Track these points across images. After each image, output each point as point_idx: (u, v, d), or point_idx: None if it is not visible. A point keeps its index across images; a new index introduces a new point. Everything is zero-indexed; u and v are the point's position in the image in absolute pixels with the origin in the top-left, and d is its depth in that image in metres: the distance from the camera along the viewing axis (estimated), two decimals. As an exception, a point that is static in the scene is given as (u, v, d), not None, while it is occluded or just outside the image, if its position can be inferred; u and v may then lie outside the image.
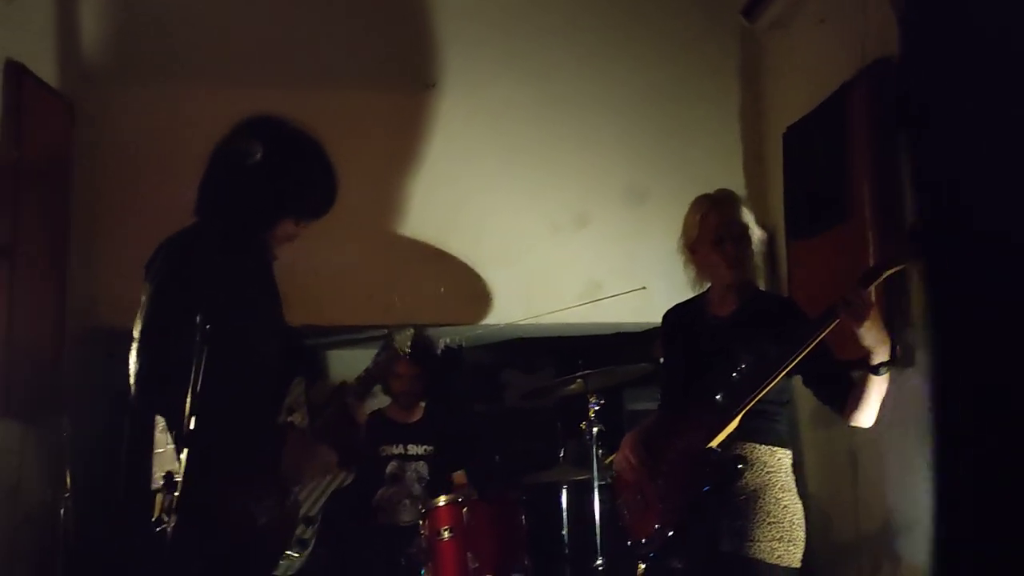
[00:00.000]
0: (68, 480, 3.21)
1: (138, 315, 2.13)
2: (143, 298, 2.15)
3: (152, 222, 3.85)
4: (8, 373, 3.15)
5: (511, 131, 4.12)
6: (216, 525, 1.95)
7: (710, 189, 2.64)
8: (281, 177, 2.17)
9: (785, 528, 2.36)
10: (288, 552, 2.22)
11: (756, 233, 2.51)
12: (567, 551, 3.49)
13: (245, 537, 2.06)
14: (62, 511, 3.18)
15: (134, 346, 2.09)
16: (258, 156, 2.09)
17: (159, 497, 1.99)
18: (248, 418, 2.07)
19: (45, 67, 3.54)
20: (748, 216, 2.52)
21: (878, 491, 3.18)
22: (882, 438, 3.09)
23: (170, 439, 2.09)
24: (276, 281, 2.29)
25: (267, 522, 2.11)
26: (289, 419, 2.25)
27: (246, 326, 2.11)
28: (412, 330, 2.53)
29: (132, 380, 2.06)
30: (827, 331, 2.22)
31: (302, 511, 2.27)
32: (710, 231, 2.49)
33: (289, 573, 2.25)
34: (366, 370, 2.50)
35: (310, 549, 2.27)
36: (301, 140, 2.26)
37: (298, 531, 2.24)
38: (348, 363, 4.01)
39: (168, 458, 2.03)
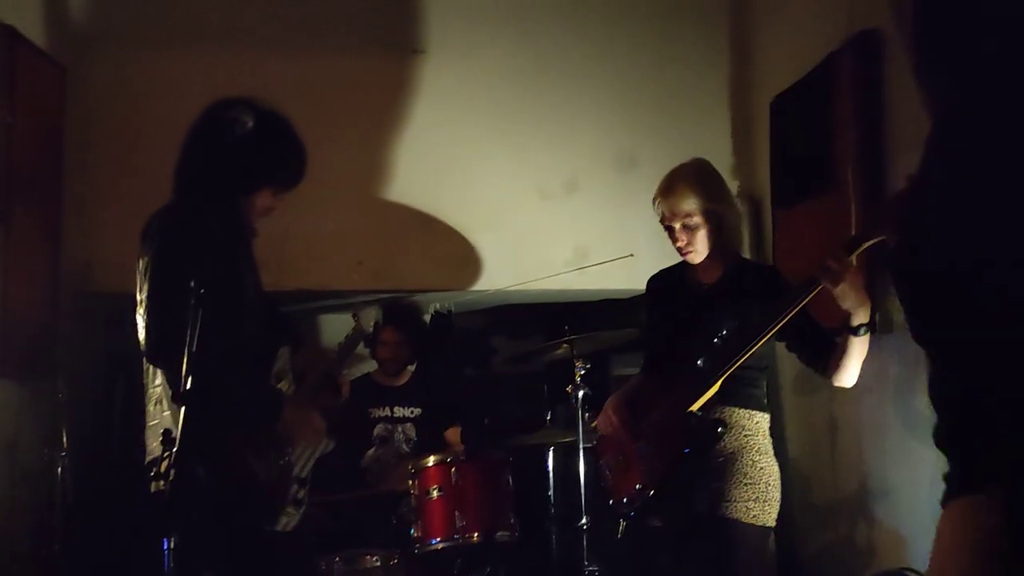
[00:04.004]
0: (64, 439, 3.27)
1: (140, 281, 2.27)
2: (142, 264, 2.28)
3: (145, 187, 3.87)
4: (4, 336, 3.20)
5: (500, 97, 4.13)
6: (218, 481, 2.07)
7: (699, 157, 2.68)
8: (255, 150, 2.35)
9: (760, 489, 2.43)
10: (287, 508, 2.33)
11: (714, 214, 2.51)
12: (552, 511, 3.57)
13: (248, 491, 2.20)
14: (59, 469, 3.25)
15: (140, 309, 2.24)
16: (235, 132, 2.28)
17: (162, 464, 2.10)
18: (245, 379, 2.21)
19: (37, 31, 3.54)
20: (703, 201, 2.49)
21: (855, 455, 3.27)
22: (860, 404, 3.17)
23: (165, 407, 2.20)
24: (254, 255, 2.45)
25: (266, 478, 2.24)
26: (277, 386, 2.39)
27: (234, 293, 2.26)
28: (377, 308, 2.72)
29: (142, 340, 2.21)
30: (808, 298, 2.28)
31: (295, 471, 2.38)
32: (662, 218, 2.55)
33: (287, 528, 2.35)
34: (340, 344, 2.67)
35: (304, 507, 2.39)
36: (270, 116, 2.42)
37: (293, 490, 2.36)
38: (338, 328, 4.06)
39: (160, 428, 2.13)
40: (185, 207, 2.33)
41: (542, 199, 4.15)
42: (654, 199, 2.58)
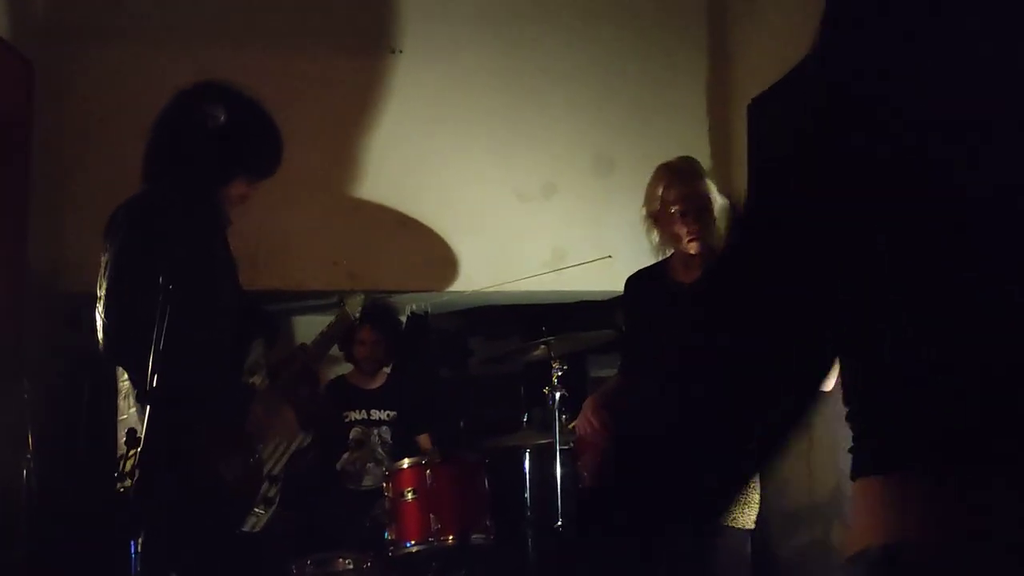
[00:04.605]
0: (30, 441, 3.20)
1: (100, 276, 2.19)
2: (104, 259, 2.21)
3: (115, 186, 3.82)
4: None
5: (478, 98, 4.11)
6: (184, 482, 1.99)
7: (654, 170, 2.66)
8: (230, 137, 2.25)
9: (740, 491, 2.42)
10: (255, 509, 2.27)
11: (718, 202, 2.54)
12: (529, 513, 3.54)
13: (213, 493, 2.12)
14: (24, 472, 3.17)
15: (99, 305, 2.16)
16: (208, 117, 2.18)
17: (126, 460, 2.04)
18: (212, 377, 2.13)
19: (1, 22, 3.46)
20: (709, 186, 2.54)
21: (831, 457, 3.27)
22: (835, 406, 3.17)
23: (133, 402, 2.13)
24: (230, 246, 2.37)
25: (233, 479, 2.17)
26: (251, 380, 2.31)
27: (206, 287, 2.18)
28: (363, 295, 2.60)
29: (100, 338, 2.13)
30: None
31: (266, 469, 2.32)
32: (671, 204, 2.52)
33: (256, 529, 2.28)
34: (321, 333, 2.57)
35: (275, 507, 2.32)
36: (245, 101, 2.34)
37: (263, 488, 2.30)
38: (312, 328, 4.02)
39: (132, 422, 2.06)
40: (153, 197, 2.24)
41: (520, 200, 4.13)
42: (658, 186, 2.53)
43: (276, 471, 2.34)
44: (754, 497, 2.45)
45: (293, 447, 2.37)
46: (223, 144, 2.24)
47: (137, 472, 1.62)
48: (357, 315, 2.53)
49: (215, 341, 2.17)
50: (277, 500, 2.32)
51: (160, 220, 2.16)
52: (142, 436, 1.63)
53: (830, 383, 2.43)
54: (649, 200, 2.57)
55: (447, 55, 4.09)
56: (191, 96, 2.29)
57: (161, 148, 2.30)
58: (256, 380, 2.33)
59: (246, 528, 2.25)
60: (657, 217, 2.56)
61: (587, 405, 2.64)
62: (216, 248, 2.30)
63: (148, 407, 1.67)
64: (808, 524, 3.42)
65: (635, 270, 2.79)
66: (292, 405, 2.36)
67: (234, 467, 2.20)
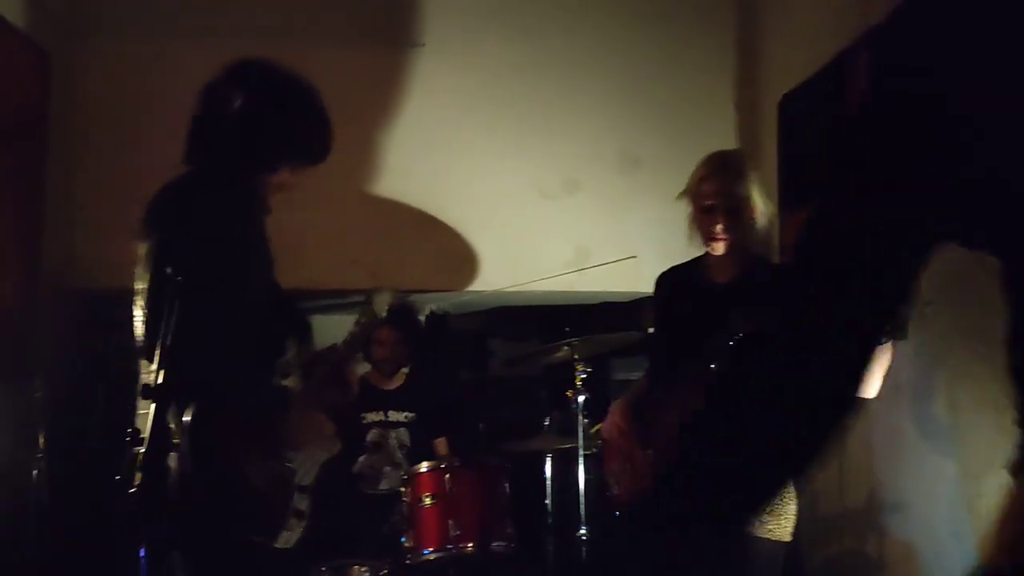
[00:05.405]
0: (41, 440, 3.14)
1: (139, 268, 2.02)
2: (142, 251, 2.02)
3: (131, 181, 3.76)
4: (-21, 331, 3.07)
5: (501, 92, 4.04)
6: (214, 485, 1.85)
7: (702, 157, 2.55)
8: (281, 121, 2.09)
9: (775, 502, 2.31)
10: (289, 522, 2.08)
11: (759, 206, 2.41)
12: (550, 520, 3.44)
13: (244, 503, 1.96)
14: (34, 472, 3.11)
15: (138, 299, 1.99)
16: (256, 100, 2.02)
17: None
18: (236, 371, 1.95)
19: (19, 14, 3.41)
20: (751, 187, 2.40)
21: (865, 465, 3.16)
22: (869, 411, 3.06)
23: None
24: (268, 236, 2.16)
25: (264, 487, 2.00)
26: (283, 383, 2.13)
27: (234, 277, 1.99)
28: (390, 292, 2.43)
29: (137, 333, 1.97)
30: None
31: (296, 479, 2.13)
32: (704, 197, 2.41)
33: (288, 545, 2.07)
34: (350, 333, 2.40)
35: (306, 520, 2.11)
36: (297, 84, 2.16)
37: (295, 501, 2.11)
38: (331, 328, 3.95)
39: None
40: (190, 185, 2.05)
41: (542, 198, 4.05)
42: (698, 177, 2.43)
43: (307, 482, 2.15)
44: (790, 508, 2.34)
45: (324, 456, 2.19)
46: (268, 127, 2.06)
47: (140, 474, 1.51)
48: (384, 313, 2.37)
49: (241, 334, 1.97)
50: (307, 514, 2.11)
51: (187, 210, 1.99)
52: (146, 436, 1.52)
53: (874, 389, 2.30)
54: (689, 185, 2.46)
55: (470, 49, 4.02)
56: (236, 75, 2.11)
57: (203, 125, 2.09)
58: (289, 382, 2.12)
59: (279, 544, 2.06)
60: (693, 207, 2.45)
61: (615, 408, 2.54)
62: (250, 237, 2.10)
63: (153, 404, 1.55)
64: (840, 534, 3.30)
65: (660, 270, 2.68)
66: (326, 410, 2.18)
67: (265, 474, 2.01)
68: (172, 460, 1.85)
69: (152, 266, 1.94)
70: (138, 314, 1.97)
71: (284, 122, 2.10)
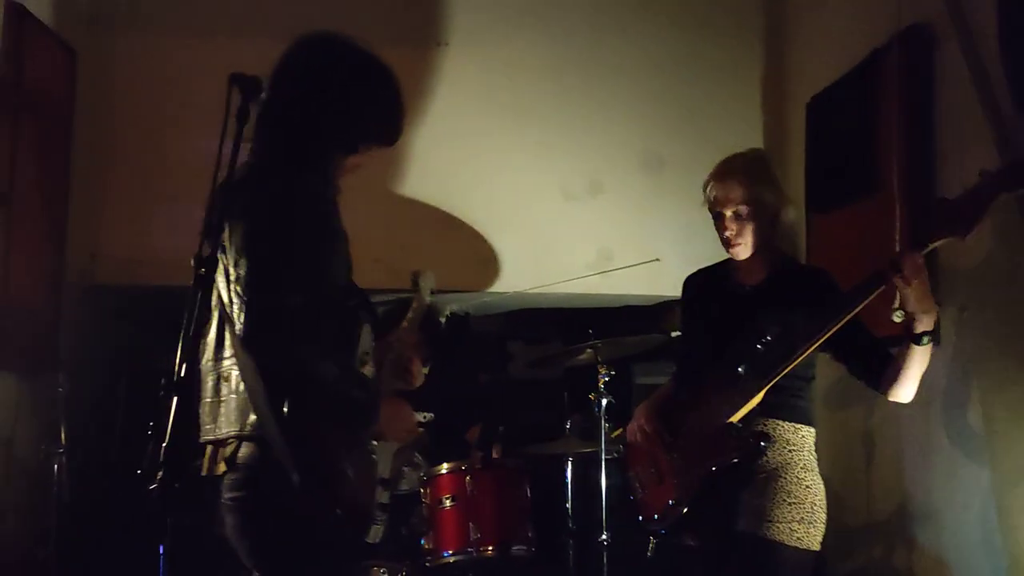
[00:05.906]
0: (63, 435, 3.14)
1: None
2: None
3: (156, 177, 3.80)
4: (3, 326, 3.07)
5: (524, 92, 4.01)
6: (311, 482, 1.73)
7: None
8: (367, 98, 1.97)
9: (806, 509, 2.26)
10: (378, 516, 1.99)
11: (770, 208, 2.35)
12: (571, 525, 3.41)
13: (342, 497, 1.84)
14: (56, 466, 3.11)
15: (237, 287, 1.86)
16: (339, 79, 1.92)
17: (208, 449, 1.86)
18: (338, 367, 1.84)
19: (46, 10, 3.41)
20: (760, 190, 2.34)
21: (894, 474, 3.10)
22: (899, 420, 3.00)
23: (227, 389, 1.85)
24: (339, 219, 2.02)
25: (355, 478, 1.87)
26: (361, 370, 1.97)
27: (316, 261, 1.88)
28: (432, 273, 2.34)
29: (239, 326, 1.83)
30: (871, 298, 2.11)
31: (378, 472, 2.03)
32: (711, 204, 2.38)
33: (376, 540, 1.99)
34: (407, 319, 2.28)
35: (387, 515, 2.02)
36: (377, 60, 2.03)
37: (378, 493, 2.01)
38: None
39: (230, 406, 1.84)
40: (267, 169, 1.90)
41: (565, 199, 4.02)
42: (706, 184, 2.41)
43: (387, 474, 2.06)
44: (820, 516, 2.29)
45: (395, 449, 2.10)
46: (354, 104, 1.94)
47: (161, 470, 1.48)
48: (429, 296, 2.29)
49: (328, 322, 1.85)
50: (388, 508, 2.02)
51: (268, 191, 1.86)
52: (168, 430, 1.48)
53: (910, 393, 2.24)
54: (704, 194, 2.43)
55: (494, 48, 4.00)
56: (315, 49, 1.98)
57: (277, 112, 1.92)
58: (366, 371, 1.96)
59: (369, 539, 1.96)
60: (711, 211, 2.42)
61: (639, 412, 2.50)
62: (332, 221, 1.97)
63: (174, 399, 1.52)
64: (867, 544, 3.24)
65: (684, 274, 2.64)
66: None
67: (356, 464, 1.87)
68: (244, 452, 1.81)
69: (233, 253, 1.81)
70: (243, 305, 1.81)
71: (368, 99, 1.98)
